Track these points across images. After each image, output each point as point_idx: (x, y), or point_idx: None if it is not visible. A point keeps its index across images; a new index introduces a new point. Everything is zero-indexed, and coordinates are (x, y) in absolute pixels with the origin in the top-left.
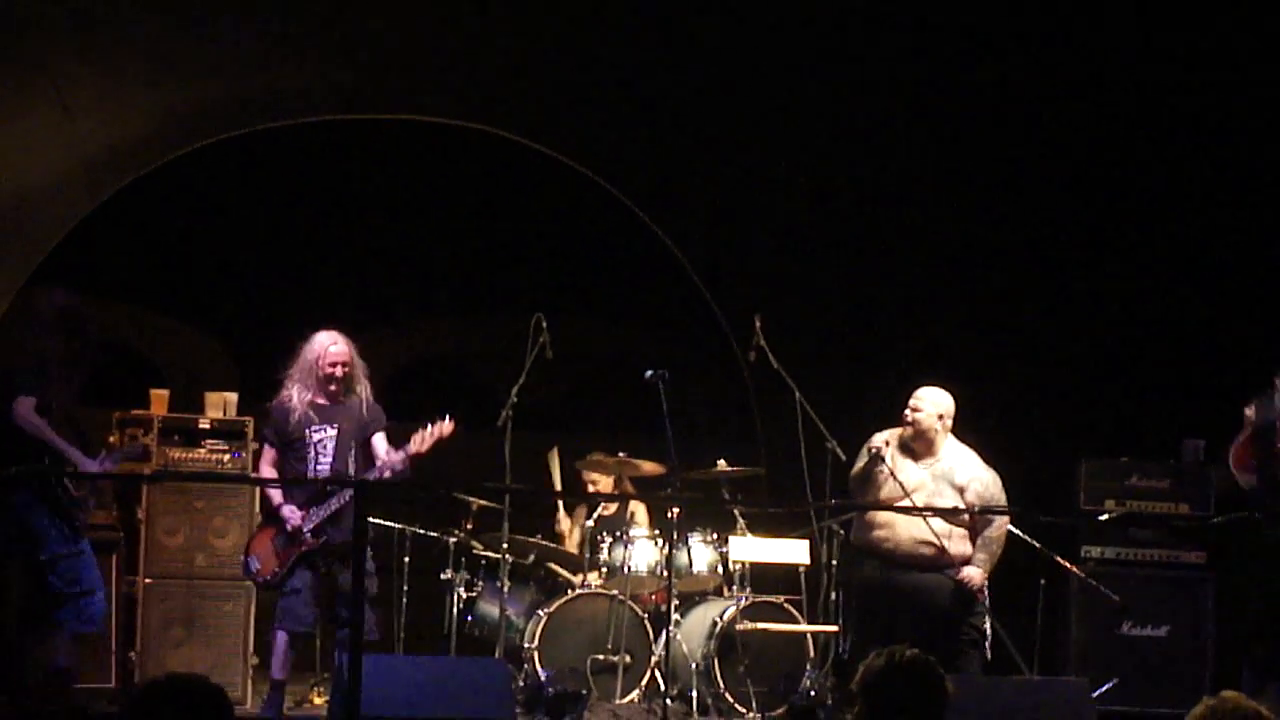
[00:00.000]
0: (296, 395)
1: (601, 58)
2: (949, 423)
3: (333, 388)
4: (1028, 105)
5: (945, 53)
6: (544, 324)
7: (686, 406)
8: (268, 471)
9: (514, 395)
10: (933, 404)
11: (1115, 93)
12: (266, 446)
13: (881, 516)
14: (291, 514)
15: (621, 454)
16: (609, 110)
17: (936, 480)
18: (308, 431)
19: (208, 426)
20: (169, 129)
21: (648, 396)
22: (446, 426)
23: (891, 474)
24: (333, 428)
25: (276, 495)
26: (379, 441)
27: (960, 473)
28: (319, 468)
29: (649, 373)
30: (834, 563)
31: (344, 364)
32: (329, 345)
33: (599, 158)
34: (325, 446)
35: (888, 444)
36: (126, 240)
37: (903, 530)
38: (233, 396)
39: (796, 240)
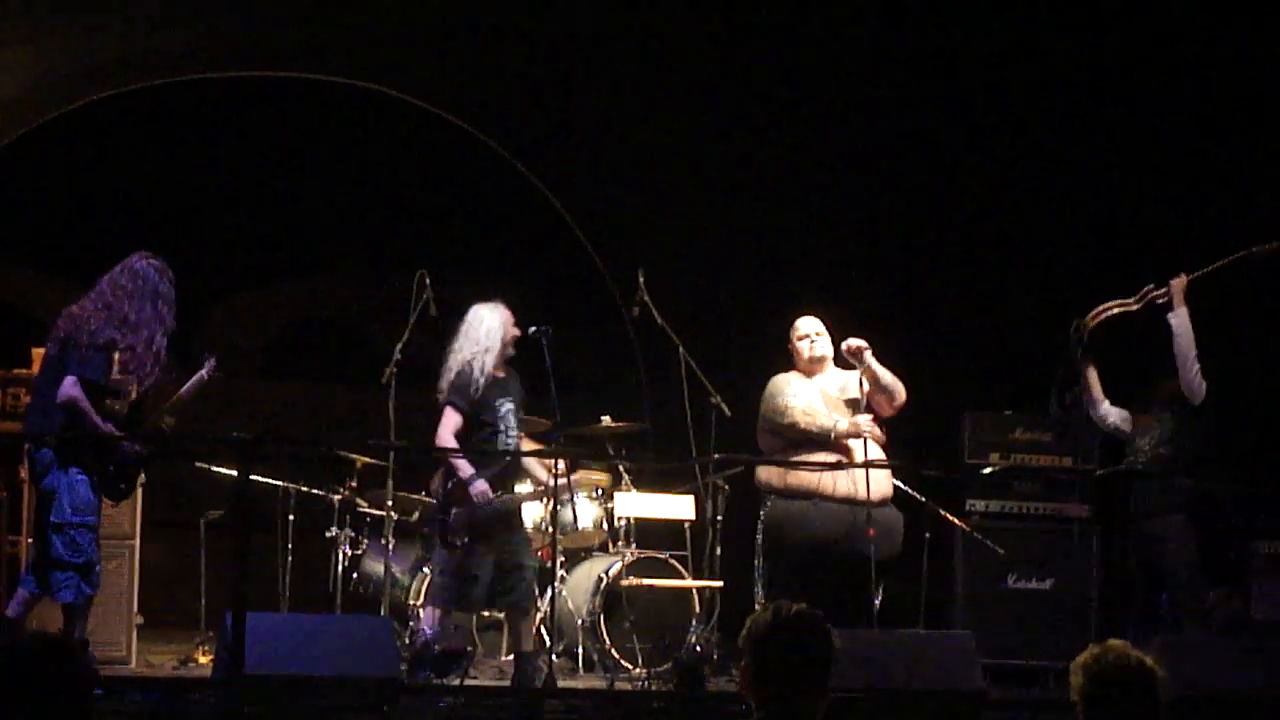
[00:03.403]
0: (478, 366)
1: (484, 12)
2: None
3: (505, 359)
4: (918, 52)
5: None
6: (428, 281)
7: (570, 362)
8: (451, 440)
9: (398, 352)
10: (820, 325)
11: (997, 43)
12: (454, 414)
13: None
14: (483, 493)
15: None
16: (491, 66)
17: (834, 387)
18: (498, 405)
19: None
20: (55, 87)
21: (531, 352)
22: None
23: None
24: (511, 400)
25: (467, 466)
26: None
27: (844, 374)
28: (508, 442)
29: (532, 328)
30: (719, 517)
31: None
32: (508, 315)
33: (482, 114)
34: (510, 421)
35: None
36: (9, 195)
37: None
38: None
39: (680, 195)
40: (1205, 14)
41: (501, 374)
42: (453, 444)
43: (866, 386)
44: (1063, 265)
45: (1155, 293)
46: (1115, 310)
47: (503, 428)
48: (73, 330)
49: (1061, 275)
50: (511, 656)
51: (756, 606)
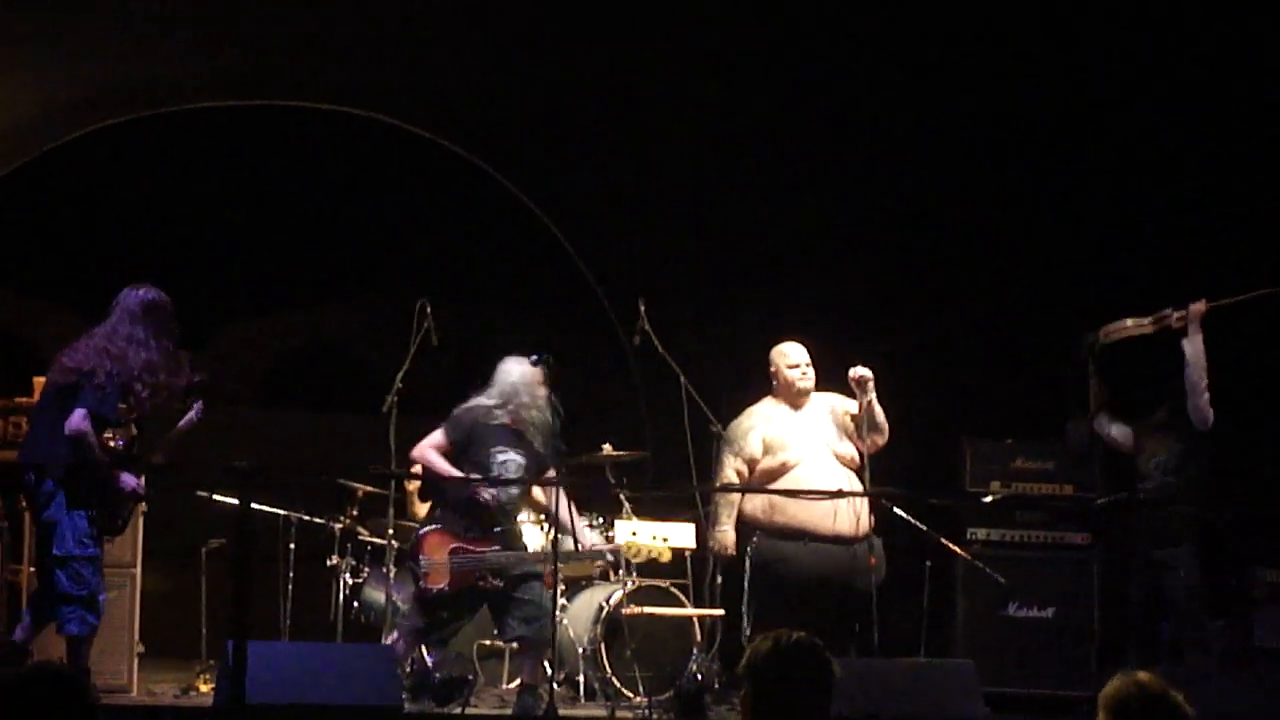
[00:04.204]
0: (483, 410)
1: (485, 42)
2: None
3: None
4: (919, 75)
5: (828, 26)
6: (428, 309)
7: (571, 391)
8: (429, 452)
9: (399, 381)
10: (808, 355)
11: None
12: (440, 432)
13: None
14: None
15: None
16: (493, 95)
17: (819, 419)
18: (494, 451)
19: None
20: (57, 116)
21: None
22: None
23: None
24: (512, 452)
25: (448, 466)
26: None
27: (824, 401)
28: (494, 491)
29: (533, 356)
30: (748, 551)
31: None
32: (538, 376)
33: (483, 143)
34: (506, 470)
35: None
36: (10, 225)
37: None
38: None
39: (681, 224)
40: (1221, 41)
41: (517, 428)
42: (431, 456)
43: (864, 416)
44: (1066, 292)
45: (1172, 317)
46: (1131, 332)
47: (492, 469)
48: (89, 364)
49: (1065, 302)
50: (515, 685)
51: (744, 643)
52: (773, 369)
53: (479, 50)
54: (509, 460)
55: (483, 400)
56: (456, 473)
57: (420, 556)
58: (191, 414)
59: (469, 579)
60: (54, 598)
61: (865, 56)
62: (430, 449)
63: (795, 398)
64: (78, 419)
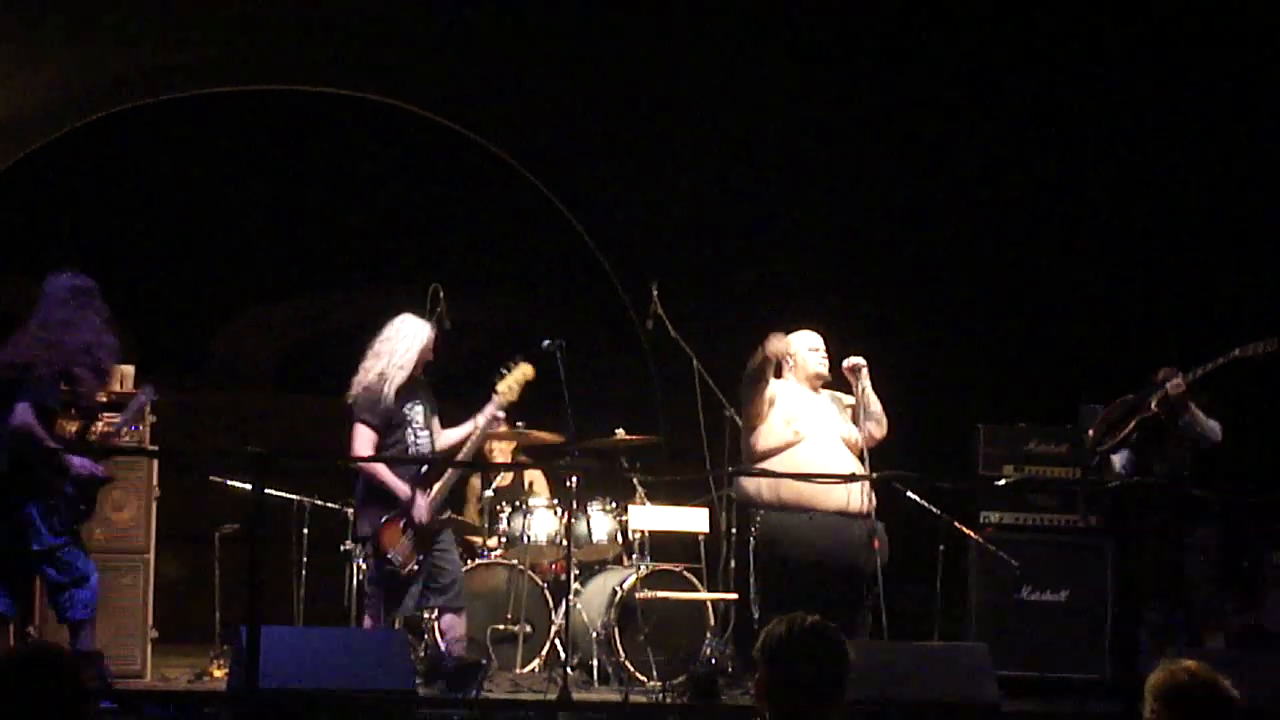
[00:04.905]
0: (395, 376)
1: (496, 25)
2: None
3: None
4: (932, 58)
5: (833, 19)
6: (441, 294)
7: (584, 375)
8: (369, 453)
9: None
10: (822, 341)
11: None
12: (365, 429)
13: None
14: (421, 509)
15: (520, 423)
16: (505, 79)
17: (828, 405)
18: (406, 410)
19: (104, 399)
20: (66, 102)
21: (546, 365)
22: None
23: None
24: (418, 403)
25: (395, 481)
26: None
27: (829, 394)
28: (419, 443)
29: (546, 342)
30: (733, 530)
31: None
32: (431, 333)
33: (496, 127)
34: (418, 421)
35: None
36: (23, 213)
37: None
38: (129, 369)
39: (694, 207)
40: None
41: (409, 381)
42: (382, 472)
43: (860, 405)
44: (1077, 275)
45: (1169, 391)
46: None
47: (412, 429)
48: (27, 358)
49: (1076, 284)
50: (528, 669)
51: (754, 623)
52: (789, 354)
53: (496, 37)
54: (417, 412)
55: (380, 365)
56: (402, 487)
57: (388, 554)
58: (141, 397)
59: (428, 540)
60: (50, 590)
61: (875, 43)
62: (368, 452)
63: (813, 381)
64: (20, 413)
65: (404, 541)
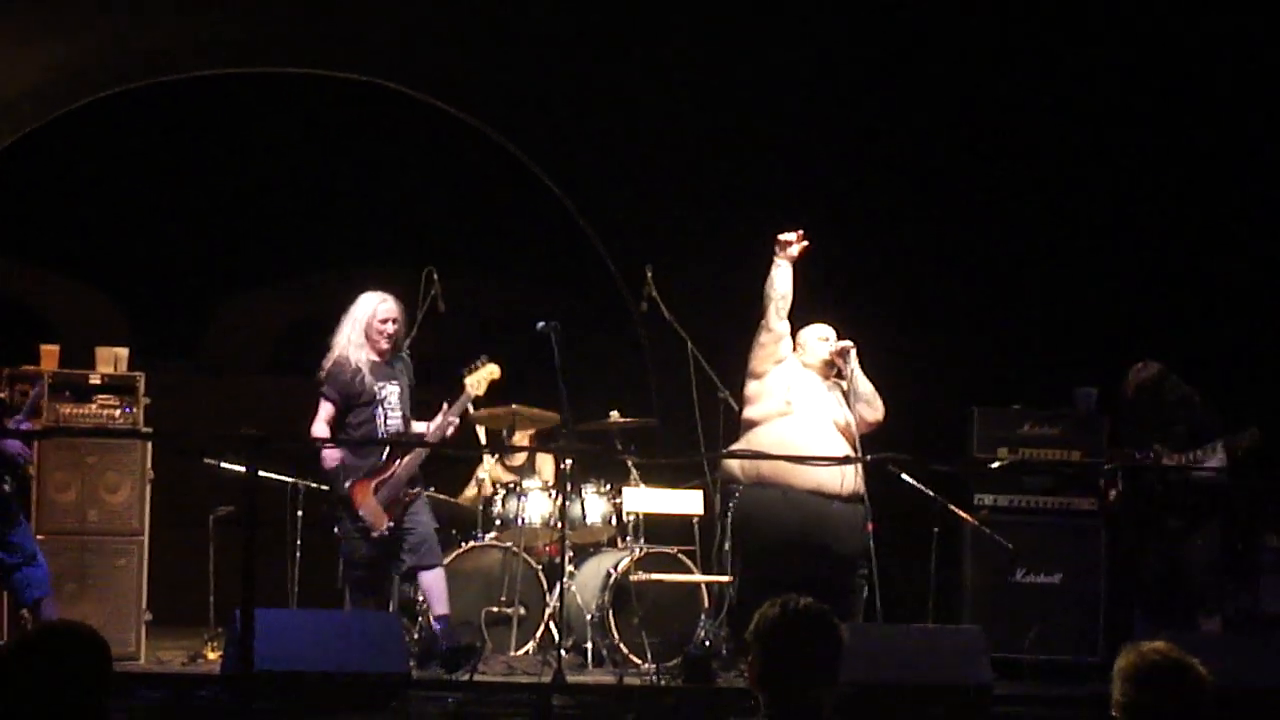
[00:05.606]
0: (353, 354)
1: (492, 9)
2: None
3: (385, 345)
4: (924, 53)
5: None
6: (435, 277)
7: (579, 358)
8: (324, 430)
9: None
10: (833, 333)
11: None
12: (325, 404)
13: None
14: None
15: (514, 405)
16: (500, 62)
17: (829, 391)
18: (376, 389)
19: (99, 382)
20: (61, 85)
21: (540, 348)
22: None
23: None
24: (394, 384)
25: (335, 456)
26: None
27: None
28: (389, 424)
29: (541, 324)
30: (730, 507)
31: (394, 320)
32: (379, 303)
33: (490, 109)
34: (391, 402)
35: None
36: (17, 195)
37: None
38: (123, 351)
39: (688, 190)
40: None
41: (383, 358)
42: (325, 432)
43: (850, 388)
44: (1072, 257)
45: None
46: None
47: (383, 408)
48: None
49: (1071, 266)
50: (523, 652)
51: (731, 601)
52: (799, 344)
53: (487, 17)
54: (390, 393)
55: (340, 341)
56: (339, 465)
57: (360, 511)
58: (34, 393)
59: (397, 503)
60: (1, 575)
61: (868, 24)
62: (324, 426)
63: (824, 369)
64: None
65: (373, 501)
